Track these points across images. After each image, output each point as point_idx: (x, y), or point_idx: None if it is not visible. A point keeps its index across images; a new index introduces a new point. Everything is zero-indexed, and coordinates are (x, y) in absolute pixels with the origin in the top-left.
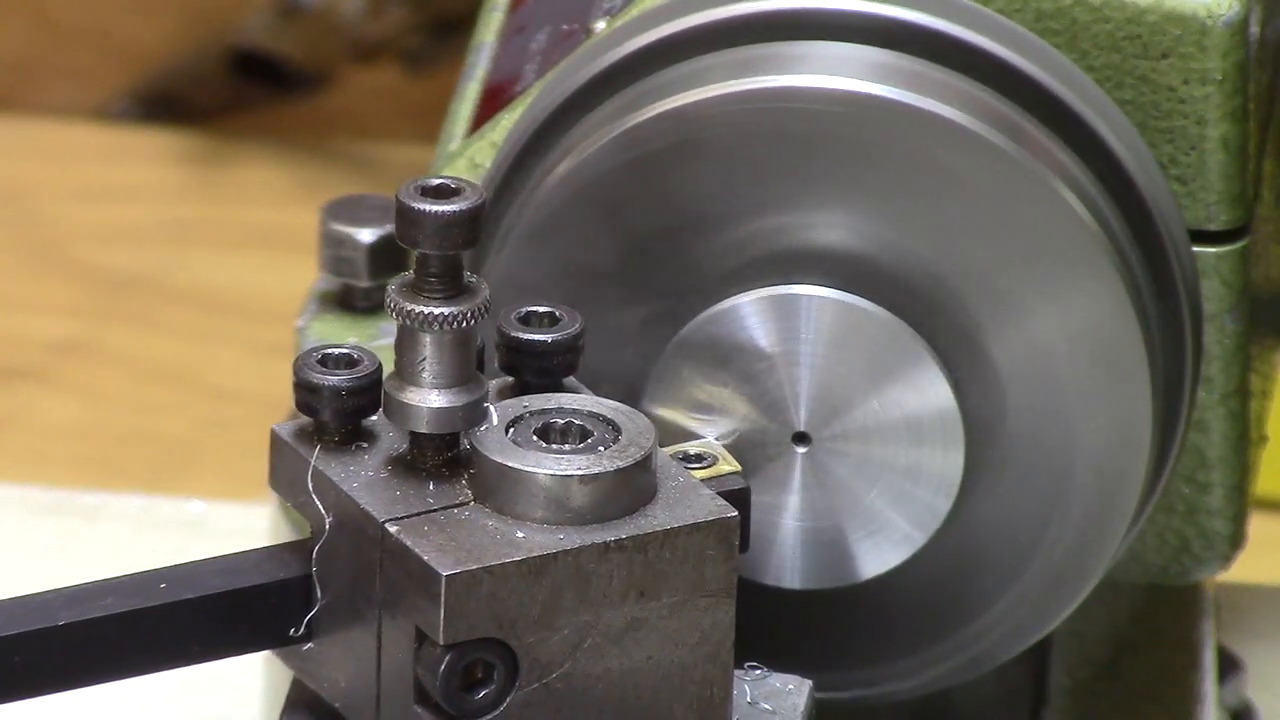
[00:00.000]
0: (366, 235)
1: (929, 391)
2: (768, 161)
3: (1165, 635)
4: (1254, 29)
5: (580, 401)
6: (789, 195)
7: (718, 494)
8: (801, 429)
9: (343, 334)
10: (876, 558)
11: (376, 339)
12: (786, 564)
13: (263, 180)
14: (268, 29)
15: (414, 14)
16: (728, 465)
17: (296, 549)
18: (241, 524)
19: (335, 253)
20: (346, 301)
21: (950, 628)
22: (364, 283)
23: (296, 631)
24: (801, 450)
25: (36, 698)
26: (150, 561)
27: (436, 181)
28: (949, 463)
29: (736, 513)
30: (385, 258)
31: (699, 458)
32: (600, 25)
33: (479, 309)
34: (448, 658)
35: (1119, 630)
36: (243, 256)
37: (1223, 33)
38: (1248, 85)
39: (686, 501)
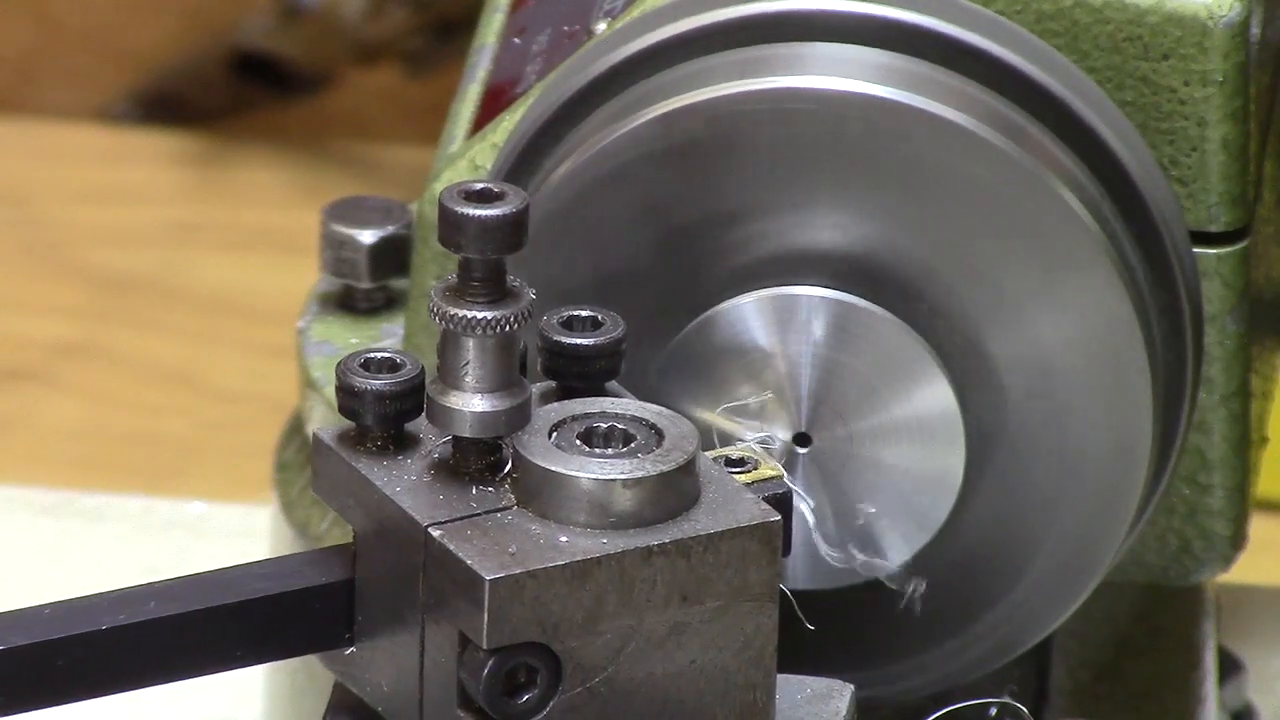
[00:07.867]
0: (367, 236)
1: (930, 392)
2: (768, 162)
3: (1166, 636)
4: (1255, 30)
5: (623, 406)
6: (789, 196)
7: (760, 498)
8: (803, 430)
9: (344, 335)
10: (877, 559)
11: (378, 340)
12: (788, 564)
13: (264, 182)
14: (268, 30)
15: (415, 15)
16: (769, 469)
17: (339, 553)
18: (242, 525)
19: (336, 254)
20: (348, 303)
21: (951, 628)
22: (365, 284)
23: (345, 635)
24: (803, 451)
25: (79, 702)
26: (152, 563)
27: (480, 186)
28: (950, 463)
29: (779, 516)
30: (386, 259)
31: (740, 462)
32: (601, 26)
33: (522, 313)
34: (491, 662)
35: (1120, 631)
36: (244, 258)
37: (1223, 34)
38: (1248, 87)
39: (729, 506)
